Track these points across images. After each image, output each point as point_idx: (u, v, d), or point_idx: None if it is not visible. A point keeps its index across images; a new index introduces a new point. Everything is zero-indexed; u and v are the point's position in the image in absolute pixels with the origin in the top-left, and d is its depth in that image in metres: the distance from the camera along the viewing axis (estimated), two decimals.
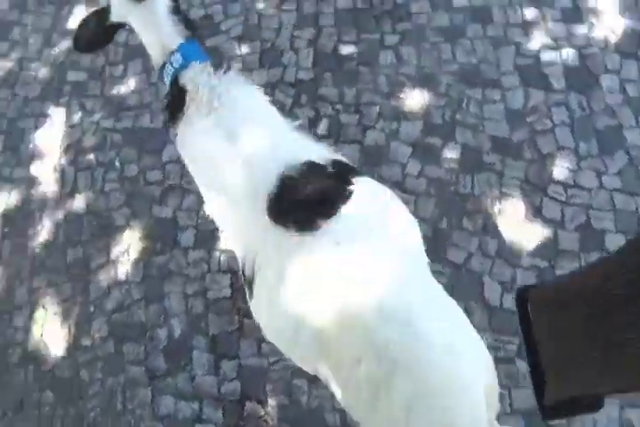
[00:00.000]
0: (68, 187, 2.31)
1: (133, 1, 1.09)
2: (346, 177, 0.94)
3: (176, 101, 1.07)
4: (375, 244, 0.87)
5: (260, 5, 2.52)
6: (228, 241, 1.30)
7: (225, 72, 1.07)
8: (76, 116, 2.48)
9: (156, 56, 1.15)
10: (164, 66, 1.10)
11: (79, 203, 2.27)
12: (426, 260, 0.98)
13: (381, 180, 1.95)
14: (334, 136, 2.15)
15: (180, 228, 2.09)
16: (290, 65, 2.33)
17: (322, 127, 2.17)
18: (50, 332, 2.07)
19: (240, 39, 2.44)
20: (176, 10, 1.11)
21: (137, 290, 2.03)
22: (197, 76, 1.04)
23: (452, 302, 0.86)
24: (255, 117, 1.01)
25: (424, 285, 0.87)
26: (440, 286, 0.89)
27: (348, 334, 0.78)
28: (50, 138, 2.45)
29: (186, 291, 1.99)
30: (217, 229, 1.95)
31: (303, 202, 0.88)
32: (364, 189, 0.94)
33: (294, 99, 2.23)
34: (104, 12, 1.15)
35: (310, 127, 2.14)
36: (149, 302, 2.00)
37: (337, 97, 2.23)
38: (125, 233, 2.14)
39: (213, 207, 1.14)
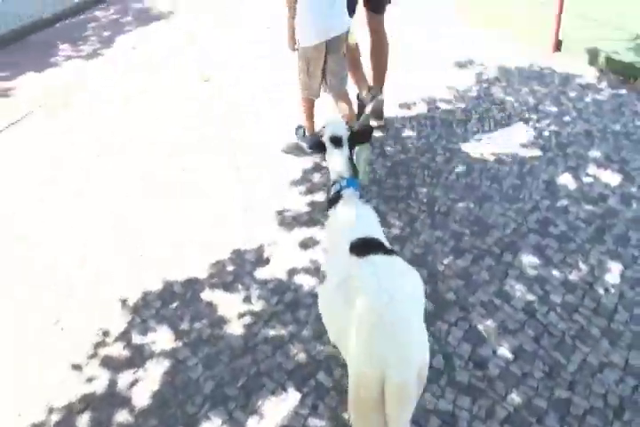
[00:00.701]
0: None
1: (335, 146, 2.08)
2: (390, 251, 1.69)
3: (334, 201, 1.95)
4: (396, 276, 1.51)
5: None
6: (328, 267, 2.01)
7: (361, 198, 1.96)
8: None
9: (334, 176, 2.05)
10: (334, 182, 2.02)
11: None
12: (423, 304, 1.55)
13: None
14: None
15: None
16: None
17: None
18: None
19: None
20: (351, 160, 2.08)
21: None
22: (349, 195, 1.93)
23: (423, 326, 1.48)
24: (362, 220, 1.84)
25: (414, 312, 1.47)
26: (421, 315, 1.51)
27: (363, 316, 1.40)
28: None
29: None
30: None
31: (363, 246, 1.63)
32: (398, 258, 1.65)
33: None
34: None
35: None
36: None
37: None
38: None
39: (328, 256, 2.16)
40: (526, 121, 3.55)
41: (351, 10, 3.05)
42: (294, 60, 3.05)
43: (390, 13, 3.37)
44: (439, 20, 5.19)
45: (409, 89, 3.95)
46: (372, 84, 3.38)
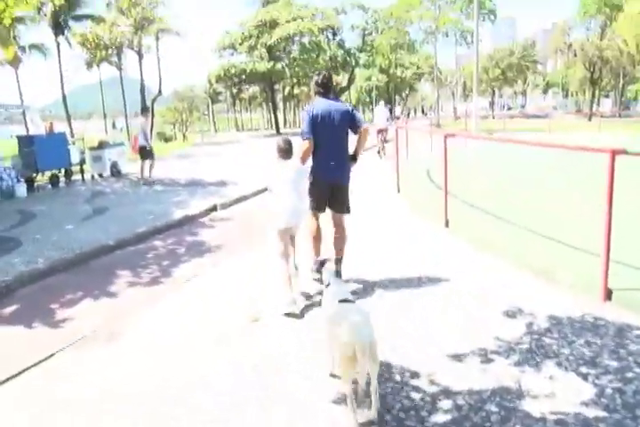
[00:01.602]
0: None
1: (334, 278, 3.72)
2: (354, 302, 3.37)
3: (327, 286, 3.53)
4: (358, 310, 3.20)
5: None
6: None
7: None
8: None
9: (324, 279, 3.66)
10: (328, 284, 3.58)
11: None
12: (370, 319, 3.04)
13: None
14: None
15: None
16: None
17: None
18: None
19: None
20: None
21: None
22: (334, 280, 3.57)
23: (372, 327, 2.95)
24: (342, 290, 3.51)
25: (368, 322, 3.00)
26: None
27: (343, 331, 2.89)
28: None
29: None
30: None
31: (344, 301, 3.32)
32: (358, 304, 3.43)
33: None
34: None
35: None
36: None
37: None
38: None
39: (324, 306, 3.57)
40: (584, 377, 3.30)
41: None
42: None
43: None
44: (489, 267, 5.42)
45: (459, 342, 3.86)
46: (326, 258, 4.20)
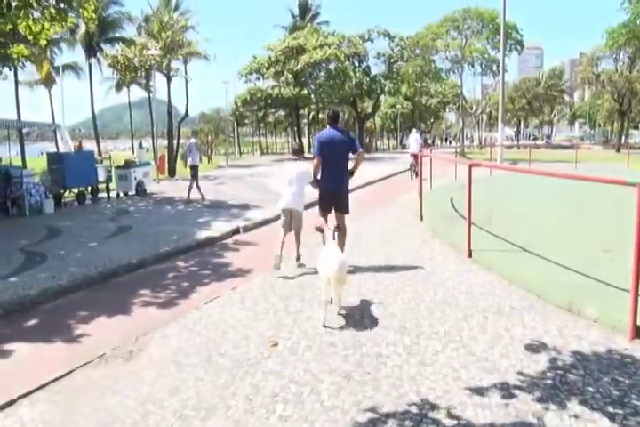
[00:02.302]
0: None
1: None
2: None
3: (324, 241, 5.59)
4: (339, 252, 5.21)
5: None
6: None
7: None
8: None
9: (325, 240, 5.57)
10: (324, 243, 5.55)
11: None
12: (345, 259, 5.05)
13: None
14: None
15: None
16: None
17: None
18: None
19: None
20: None
21: None
22: (329, 245, 5.30)
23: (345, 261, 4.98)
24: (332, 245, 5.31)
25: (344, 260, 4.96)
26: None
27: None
28: None
29: None
30: None
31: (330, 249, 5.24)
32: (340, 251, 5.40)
33: None
34: None
35: None
36: None
37: None
38: None
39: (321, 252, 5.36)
40: (611, 417, 3.21)
41: None
42: None
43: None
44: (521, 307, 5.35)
45: (481, 374, 3.82)
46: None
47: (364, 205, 12.14)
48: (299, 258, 6.75)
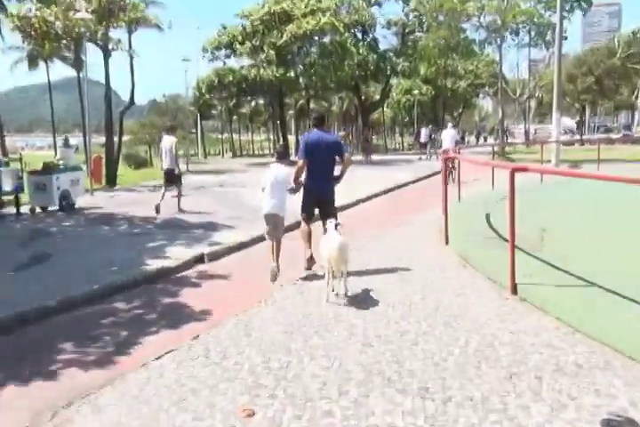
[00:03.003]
0: None
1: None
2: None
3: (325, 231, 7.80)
4: (340, 236, 7.20)
5: None
6: None
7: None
8: None
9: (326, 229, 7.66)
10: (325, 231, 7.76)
11: None
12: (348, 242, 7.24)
13: None
14: None
15: None
16: None
17: None
18: None
19: None
20: None
21: None
22: (330, 232, 7.42)
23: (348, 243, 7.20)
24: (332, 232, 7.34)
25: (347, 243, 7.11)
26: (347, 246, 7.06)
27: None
28: None
29: None
30: None
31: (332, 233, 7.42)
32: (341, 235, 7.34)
33: None
34: None
35: None
36: None
37: None
38: None
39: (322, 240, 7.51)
40: None
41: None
42: None
43: None
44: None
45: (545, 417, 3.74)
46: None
47: (371, 223, 12.13)
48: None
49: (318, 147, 8.17)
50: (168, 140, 15.38)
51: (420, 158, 37.84)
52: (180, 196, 15.20)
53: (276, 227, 8.21)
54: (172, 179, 15.19)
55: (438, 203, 11.52)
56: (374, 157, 37.37)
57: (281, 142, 33.84)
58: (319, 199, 8.40)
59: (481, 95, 77.31)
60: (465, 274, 8.18)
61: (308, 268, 8.19)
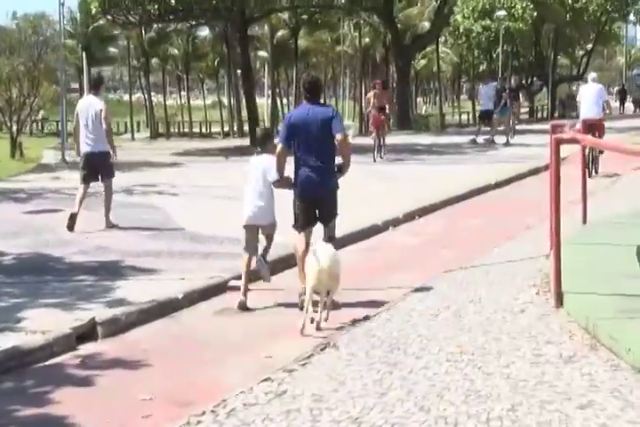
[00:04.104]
0: None
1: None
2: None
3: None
4: (332, 250, 6.45)
5: None
6: None
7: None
8: None
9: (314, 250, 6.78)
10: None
11: None
12: (339, 257, 6.23)
13: None
14: None
15: None
16: None
17: None
18: None
19: None
20: None
21: None
22: (321, 245, 6.69)
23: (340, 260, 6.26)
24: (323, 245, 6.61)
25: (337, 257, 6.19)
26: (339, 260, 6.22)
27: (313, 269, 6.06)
28: None
29: None
30: None
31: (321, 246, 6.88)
32: (332, 247, 6.79)
33: None
34: None
35: None
36: None
37: None
38: None
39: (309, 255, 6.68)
40: None
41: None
42: None
43: None
44: None
45: None
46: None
47: (429, 255, 8.59)
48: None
49: (306, 126, 6.53)
50: (92, 104, 10.10)
51: (475, 141, 23.52)
52: (109, 199, 10.27)
53: (266, 239, 7.20)
54: (102, 169, 10.11)
55: (534, 226, 8.99)
56: (412, 140, 25.86)
57: (246, 113, 23.56)
58: (315, 202, 6.84)
59: (632, 17, 45.98)
60: (598, 362, 4.74)
61: (302, 307, 6.19)
